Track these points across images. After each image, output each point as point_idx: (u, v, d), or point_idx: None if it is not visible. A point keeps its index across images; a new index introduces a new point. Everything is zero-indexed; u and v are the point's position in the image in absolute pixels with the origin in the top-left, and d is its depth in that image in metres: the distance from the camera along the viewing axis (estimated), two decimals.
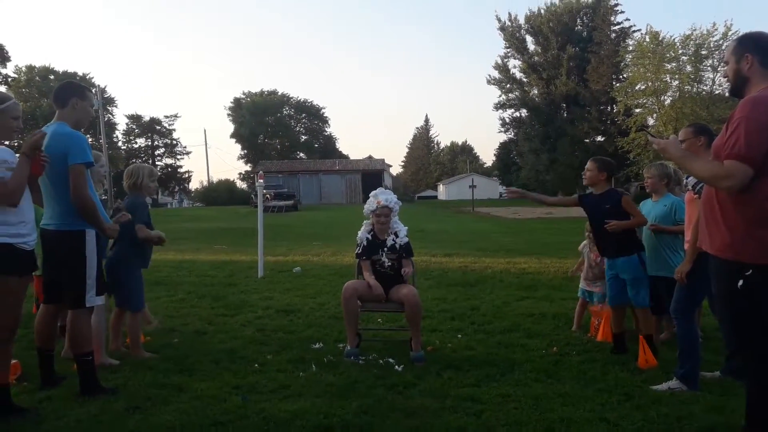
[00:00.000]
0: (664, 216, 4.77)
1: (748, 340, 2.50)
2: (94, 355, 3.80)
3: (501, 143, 66.81)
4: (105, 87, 60.93)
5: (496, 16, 60.31)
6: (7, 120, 3.31)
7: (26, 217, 3.36)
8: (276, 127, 74.37)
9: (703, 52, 34.12)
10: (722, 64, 2.91)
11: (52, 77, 57.26)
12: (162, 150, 70.29)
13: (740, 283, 2.45)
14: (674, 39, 34.94)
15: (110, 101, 60.55)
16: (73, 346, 3.75)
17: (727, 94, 32.23)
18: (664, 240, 4.75)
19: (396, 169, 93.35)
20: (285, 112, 75.75)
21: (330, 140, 78.51)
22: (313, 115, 76.98)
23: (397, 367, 4.34)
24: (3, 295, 3.24)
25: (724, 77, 2.80)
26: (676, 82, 35.52)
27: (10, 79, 50.68)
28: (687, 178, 3.88)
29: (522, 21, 57.43)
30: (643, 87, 36.68)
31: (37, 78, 58.20)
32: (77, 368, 3.75)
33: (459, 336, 5.33)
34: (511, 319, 6.01)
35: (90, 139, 53.91)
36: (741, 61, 2.59)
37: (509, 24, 57.48)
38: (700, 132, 3.86)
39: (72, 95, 3.79)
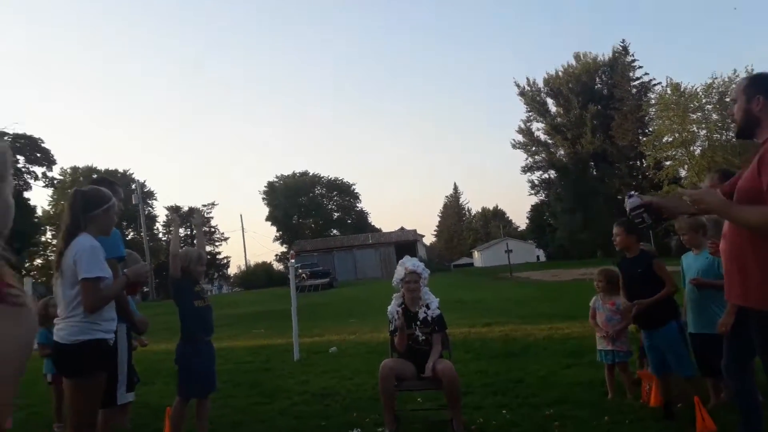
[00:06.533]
0: (706, 269, 4.50)
1: None
2: None
3: (533, 205, 66.49)
4: (144, 181, 63.67)
5: (515, 82, 61.46)
6: (111, 217, 3.42)
7: (114, 314, 3.39)
8: (309, 207, 75.93)
9: (728, 100, 33.87)
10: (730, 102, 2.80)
11: (95, 176, 60.00)
12: None
13: None
14: (696, 88, 34.95)
15: (150, 194, 63.01)
16: None
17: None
18: (708, 294, 4.44)
19: (429, 239, 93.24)
20: (317, 191, 77.59)
21: (362, 215, 79.50)
22: (344, 192, 78.51)
23: None
24: (95, 392, 3.09)
25: (730, 116, 2.72)
26: (704, 131, 35.20)
27: (56, 182, 53.27)
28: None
29: (541, 84, 58.43)
30: (670, 139, 36.42)
31: (81, 178, 61.07)
32: None
33: (503, 412, 5.08)
34: (559, 389, 5.73)
35: (131, 234, 56.05)
36: (752, 102, 2.54)
37: (528, 88, 58.51)
38: (726, 177, 3.76)
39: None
